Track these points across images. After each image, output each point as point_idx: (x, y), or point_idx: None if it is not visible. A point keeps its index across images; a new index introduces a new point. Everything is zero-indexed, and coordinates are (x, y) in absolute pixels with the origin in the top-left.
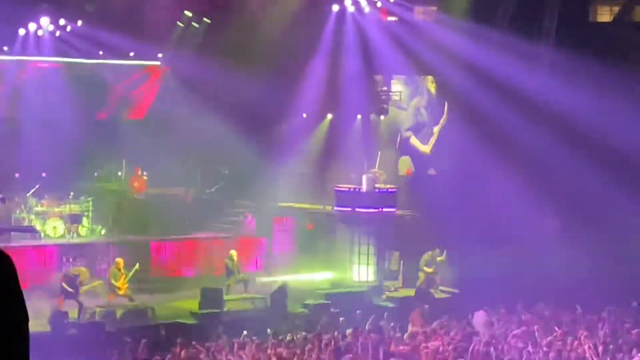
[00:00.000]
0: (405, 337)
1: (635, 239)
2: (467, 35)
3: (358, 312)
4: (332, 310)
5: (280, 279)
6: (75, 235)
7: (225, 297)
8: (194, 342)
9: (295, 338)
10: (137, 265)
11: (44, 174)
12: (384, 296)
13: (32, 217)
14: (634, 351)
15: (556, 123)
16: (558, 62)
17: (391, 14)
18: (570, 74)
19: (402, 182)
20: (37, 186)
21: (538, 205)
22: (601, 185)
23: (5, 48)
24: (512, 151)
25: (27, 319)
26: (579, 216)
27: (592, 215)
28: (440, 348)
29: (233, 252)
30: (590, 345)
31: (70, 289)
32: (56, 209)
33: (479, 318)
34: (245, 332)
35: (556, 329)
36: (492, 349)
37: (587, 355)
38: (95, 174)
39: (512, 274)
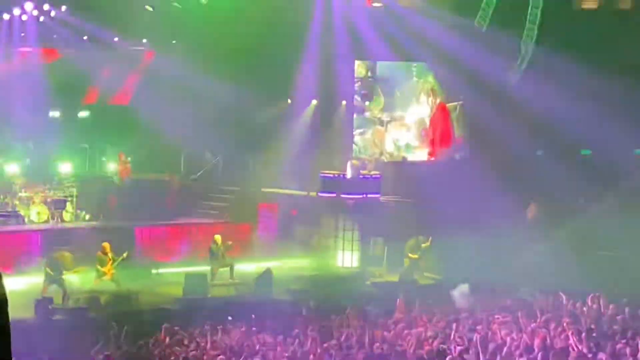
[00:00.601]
0: (389, 323)
1: (608, 232)
2: (450, 25)
3: (342, 298)
4: (316, 296)
5: (264, 264)
6: (59, 220)
7: (210, 283)
8: (177, 328)
9: (279, 324)
10: (125, 254)
11: (28, 160)
12: (368, 282)
13: (16, 202)
14: (618, 337)
15: (535, 118)
16: (539, 59)
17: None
18: (550, 72)
19: (387, 169)
20: (22, 171)
21: (519, 193)
22: (577, 179)
23: None
24: (494, 141)
25: (6, 303)
26: (558, 206)
27: (568, 206)
28: (424, 334)
29: (217, 237)
30: (574, 331)
31: (54, 275)
32: (40, 195)
33: (459, 291)
34: (230, 318)
35: (539, 315)
36: (475, 335)
37: (571, 341)
38: (80, 159)
39: (496, 260)
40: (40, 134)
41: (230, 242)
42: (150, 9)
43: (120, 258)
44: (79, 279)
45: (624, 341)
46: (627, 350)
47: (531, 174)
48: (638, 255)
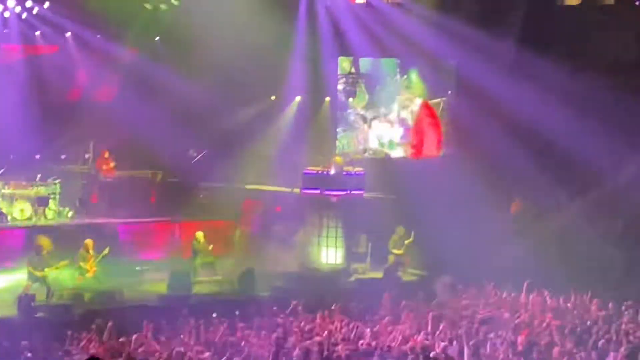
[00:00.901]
0: (374, 319)
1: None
2: (432, 24)
3: (326, 294)
4: (300, 292)
5: (248, 261)
6: (42, 217)
7: (193, 280)
8: (161, 325)
9: (263, 321)
10: (106, 250)
11: (11, 156)
12: (352, 278)
13: None
14: (601, 333)
15: (517, 116)
16: (519, 61)
17: None
18: (532, 69)
19: (370, 165)
20: (3, 169)
21: (503, 190)
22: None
23: None
24: (477, 137)
25: None
26: (542, 203)
27: (552, 203)
28: (408, 330)
29: (199, 234)
30: (557, 327)
31: (36, 273)
32: (23, 192)
33: (442, 283)
34: (215, 315)
35: (523, 311)
36: (460, 331)
37: (555, 337)
38: (63, 156)
39: (480, 256)
40: (24, 131)
41: (211, 246)
42: (149, 7)
43: (102, 254)
44: (62, 276)
45: (607, 337)
46: (611, 345)
47: (514, 170)
48: (620, 251)
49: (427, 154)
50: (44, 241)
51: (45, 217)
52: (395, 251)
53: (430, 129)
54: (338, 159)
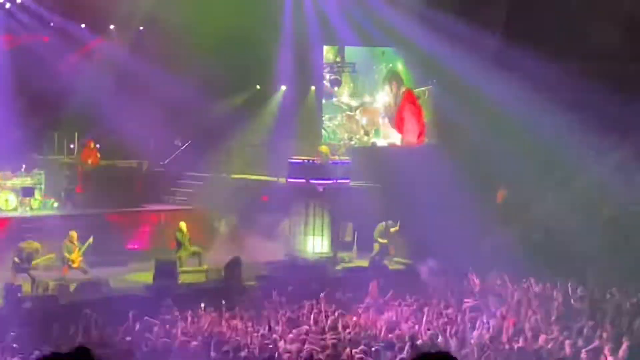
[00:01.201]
0: (360, 308)
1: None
2: (417, 14)
3: (313, 283)
4: (286, 281)
5: (234, 251)
6: (27, 208)
7: (179, 270)
8: (147, 315)
9: (249, 310)
10: (91, 239)
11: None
12: (338, 267)
13: None
14: (586, 319)
15: (501, 107)
16: (503, 51)
17: None
18: (517, 61)
19: (356, 154)
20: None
21: (489, 178)
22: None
23: None
24: (463, 126)
25: None
26: (527, 191)
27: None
28: (394, 318)
29: (182, 224)
30: (544, 314)
31: (22, 264)
32: (8, 182)
33: (427, 267)
34: (203, 305)
35: (509, 299)
36: (445, 319)
37: (541, 325)
38: (47, 146)
39: (466, 245)
40: (8, 121)
41: (194, 247)
42: None
43: (87, 244)
44: (47, 267)
45: (592, 323)
46: (596, 332)
47: (499, 159)
48: (604, 240)
49: (406, 142)
50: (34, 245)
51: (31, 207)
52: (381, 240)
53: (411, 117)
54: (324, 148)
